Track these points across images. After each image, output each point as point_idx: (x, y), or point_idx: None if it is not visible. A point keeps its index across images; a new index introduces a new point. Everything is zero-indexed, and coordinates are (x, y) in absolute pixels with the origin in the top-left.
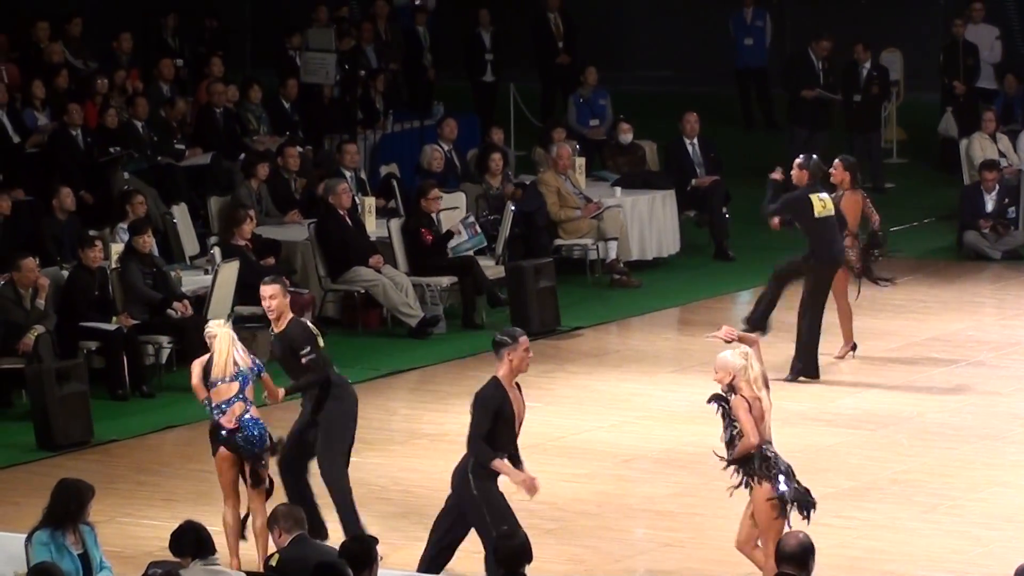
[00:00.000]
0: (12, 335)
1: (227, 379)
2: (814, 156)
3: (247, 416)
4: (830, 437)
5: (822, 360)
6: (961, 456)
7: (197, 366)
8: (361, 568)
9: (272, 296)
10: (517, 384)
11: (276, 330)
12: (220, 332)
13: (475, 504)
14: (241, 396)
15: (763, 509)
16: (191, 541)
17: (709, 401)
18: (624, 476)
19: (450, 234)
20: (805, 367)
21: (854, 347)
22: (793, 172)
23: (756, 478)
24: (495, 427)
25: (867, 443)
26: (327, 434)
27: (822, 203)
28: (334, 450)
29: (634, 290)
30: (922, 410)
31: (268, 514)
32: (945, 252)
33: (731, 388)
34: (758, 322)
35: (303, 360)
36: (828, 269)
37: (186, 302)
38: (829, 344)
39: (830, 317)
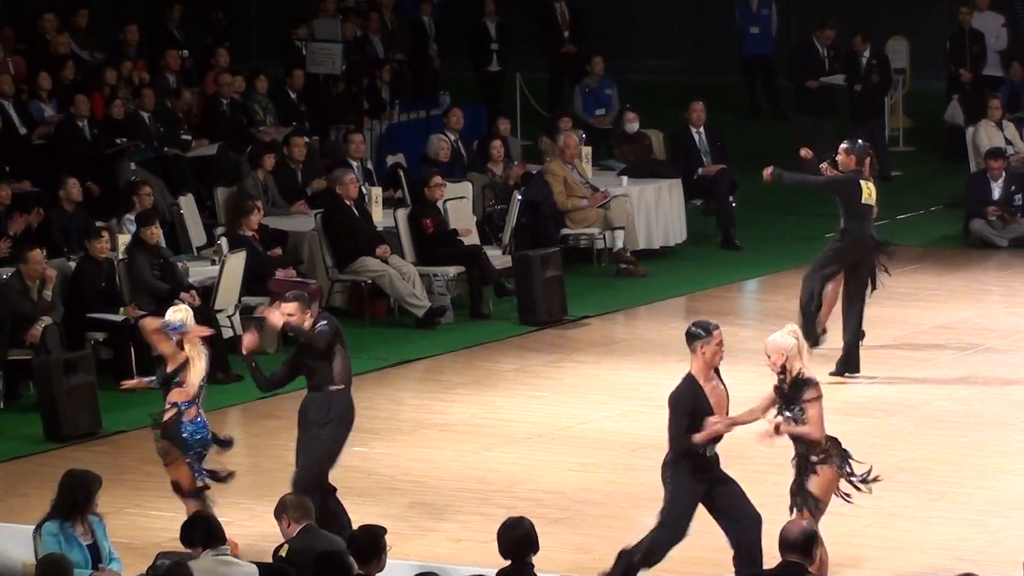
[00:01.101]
0: (19, 326)
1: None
2: (860, 141)
3: (199, 419)
4: (838, 425)
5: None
6: (969, 444)
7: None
8: (369, 558)
9: (291, 314)
10: (716, 371)
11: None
12: (194, 352)
13: (666, 490)
14: (197, 402)
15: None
16: (202, 531)
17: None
18: (632, 465)
19: (455, 233)
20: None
21: (824, 331)
22: (840, 157)
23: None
24: (692, 422)
25: (875, 431)
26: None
27: (868, 191)
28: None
29: (641, 279)
30: (930, 398)
31: (277, 505)
32: (952, 240)
33: (784, 371)
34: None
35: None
36: (856, 250)
37: (193, 293)
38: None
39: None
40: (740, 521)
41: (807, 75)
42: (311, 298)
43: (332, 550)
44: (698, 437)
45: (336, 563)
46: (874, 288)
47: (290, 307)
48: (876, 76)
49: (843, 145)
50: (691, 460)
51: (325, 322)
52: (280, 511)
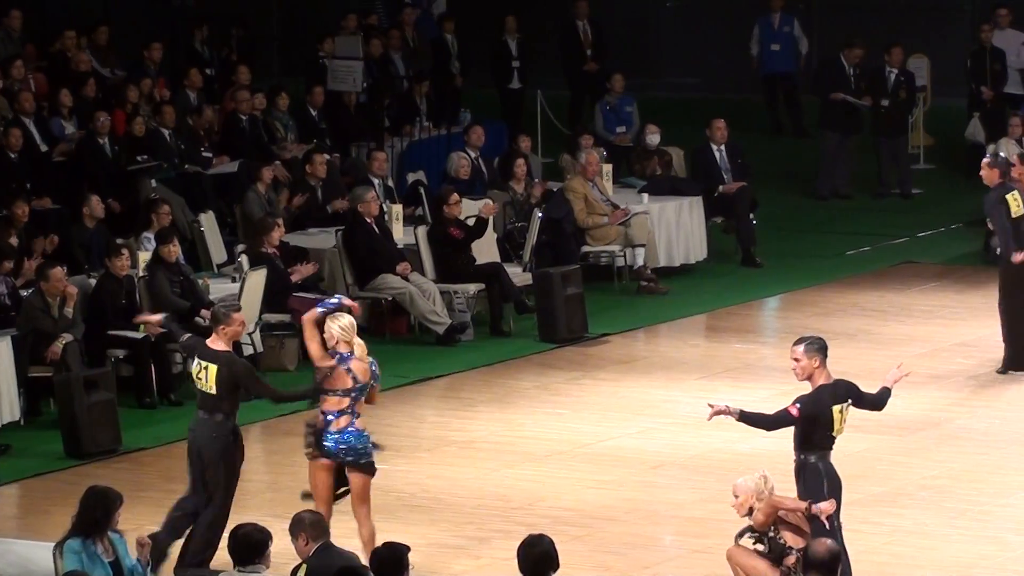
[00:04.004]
0: (40, 344)
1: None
2: (1001, 153)
3: (351, 428)
4: (859, 443)
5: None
6: (990, 461)
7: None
8: (391, 575)
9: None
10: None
11: None
12: (359, 344)
13: None
14: (351, 410)
15: None
16: (243, 546)
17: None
18: (652, 483)
19: (482, 223)
20: (1013, 358)
21: None
22: (983, 172)
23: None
24: None
25: (895, 448)
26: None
27: (1016, 203)
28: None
29: (661, 297)
30: (950, 416)
31: (293, 522)
32: (972, 257)
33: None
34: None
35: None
36: (1016, 266)
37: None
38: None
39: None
40: None
41: (832, 92)
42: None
43: (353, 566)
44: None
45: None
46: None
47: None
48: (903, 92)
49: (985, 160)
50: None
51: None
52: (297, 528)
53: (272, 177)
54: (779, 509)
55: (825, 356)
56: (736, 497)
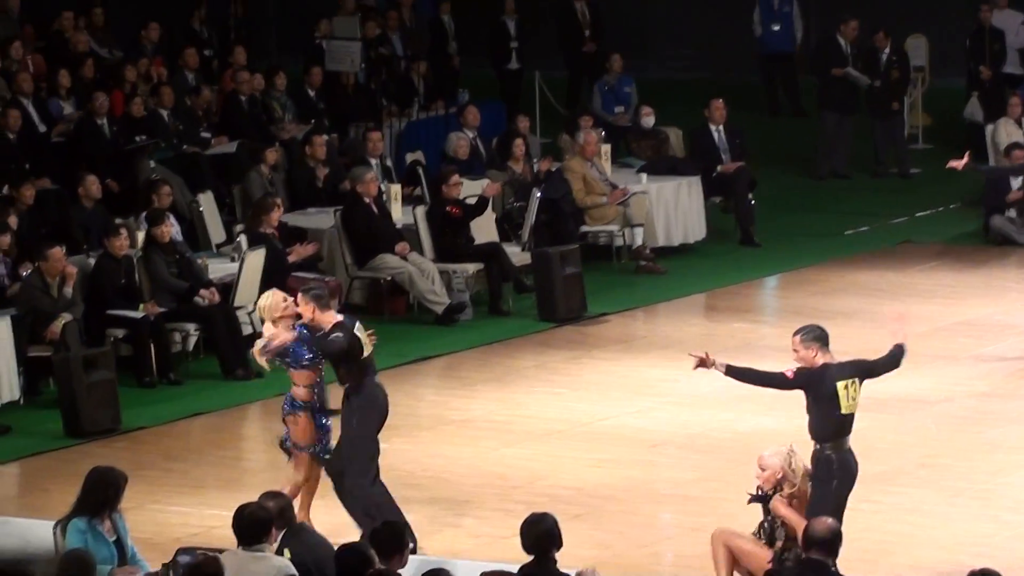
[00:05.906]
0: (40, 323)
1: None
2: None
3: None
4: (858, 422)
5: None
6: (988, 440)
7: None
8: (391, 553)
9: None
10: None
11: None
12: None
13: None
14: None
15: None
16: (247, 525)
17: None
18: (651, 461)
19: (484, 202)
20: None
21: None
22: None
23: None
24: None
25: (895, 428)
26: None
27: None
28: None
29: (660, 276)
30: (949, 394)
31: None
32: (971, 237)
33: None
34: None
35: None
36: None
37: (213, 290)
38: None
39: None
40: None
41: (831, 68)
42: (331, 294)
43: (354, 544)
44: None
45: (358, 555)
46: None
47: (304, 308)
48: (896, 72)
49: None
50: None
51: (340, 334)
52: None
53: (276, 158)
54: (787, 516)
55: (824, 343)
56: (763, 470)
